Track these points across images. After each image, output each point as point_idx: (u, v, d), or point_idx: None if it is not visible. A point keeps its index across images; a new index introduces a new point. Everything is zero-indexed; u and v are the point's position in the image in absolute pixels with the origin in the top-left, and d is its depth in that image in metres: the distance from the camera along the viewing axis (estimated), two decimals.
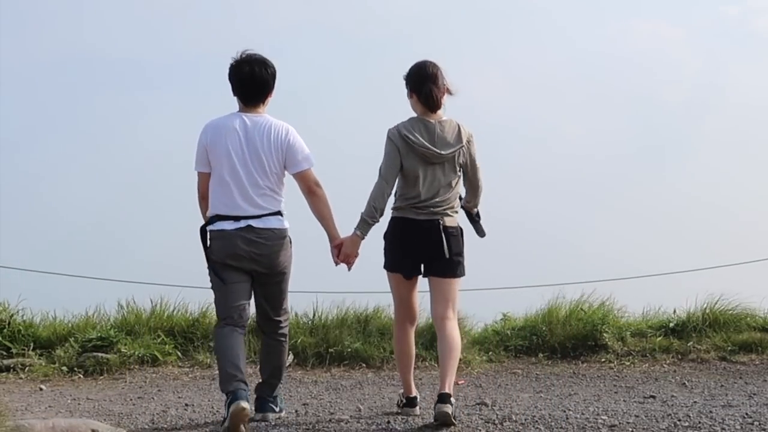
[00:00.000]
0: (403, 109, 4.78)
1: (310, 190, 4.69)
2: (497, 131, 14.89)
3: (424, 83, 4.65)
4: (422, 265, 4.72)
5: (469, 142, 4.69)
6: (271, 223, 4.61)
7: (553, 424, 4.47)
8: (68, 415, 4.97)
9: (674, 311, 8.07)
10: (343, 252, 4.67)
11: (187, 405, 5.40)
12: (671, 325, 7.84)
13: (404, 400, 4.97)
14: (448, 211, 4.68)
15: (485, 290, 8.65)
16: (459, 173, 4.71)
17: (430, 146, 4.57)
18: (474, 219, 4.99)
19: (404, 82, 4.78)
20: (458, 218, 4.75)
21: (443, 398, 4.41)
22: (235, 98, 4.71)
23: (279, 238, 4.63)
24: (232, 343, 4.48)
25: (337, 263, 4.72)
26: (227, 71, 4.71)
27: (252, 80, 4.64)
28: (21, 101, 14.98)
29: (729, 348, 7.44)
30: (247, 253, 4.53)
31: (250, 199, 4.56)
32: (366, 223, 4.62)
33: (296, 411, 5.11)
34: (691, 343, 7.53)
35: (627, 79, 16.20)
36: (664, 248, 12.27)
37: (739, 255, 8.93)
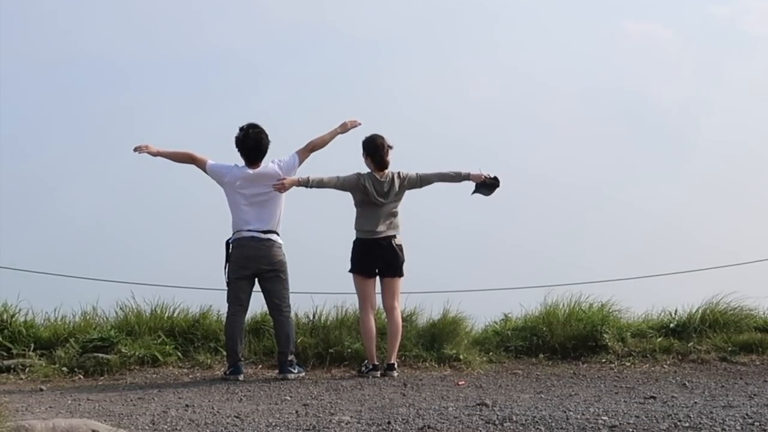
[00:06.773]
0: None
1: (308, 147, 6.75)
2: (487, 135, 14.93)
3: (376, 151, 6.69)
4: (377, 270, 6.68)
5: (401, 185, 6.66)
6: (269, 236, 6.57)
7: (553, 424, 4.47)
8: (69, 416, 4.96)
9: (675, 312, 8.06)
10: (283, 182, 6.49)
11: (187, 406, 5.40)
12: (672, 325, 7.83)
13: (370, 366, 6.65)
14: (396, 234, 6.71)
15: (485, 290, 8.65)
16: (398, 208, 6.71)
17: (378, 198, 6.64)
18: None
19: (361, 147, 6.72)
20: (401, 238, 6.74)
21: (390, 367, 6.62)
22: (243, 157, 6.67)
23: (273, 245, 6.58)
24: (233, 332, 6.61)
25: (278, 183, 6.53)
26: (234, 139, 6.61)
27: (255, 149, 6.62)
28: (20, 102, 15.00)
29: (729, 348, 7.44)
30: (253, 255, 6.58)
31: (258, 221, 6.54)
32: (308, 181, 6.53)
33: (296, 411, 5.11)
34: (692, 343, 7.52)
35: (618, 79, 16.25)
36: (664, 248, 12.28)
37: (739, 255, 8.93)
